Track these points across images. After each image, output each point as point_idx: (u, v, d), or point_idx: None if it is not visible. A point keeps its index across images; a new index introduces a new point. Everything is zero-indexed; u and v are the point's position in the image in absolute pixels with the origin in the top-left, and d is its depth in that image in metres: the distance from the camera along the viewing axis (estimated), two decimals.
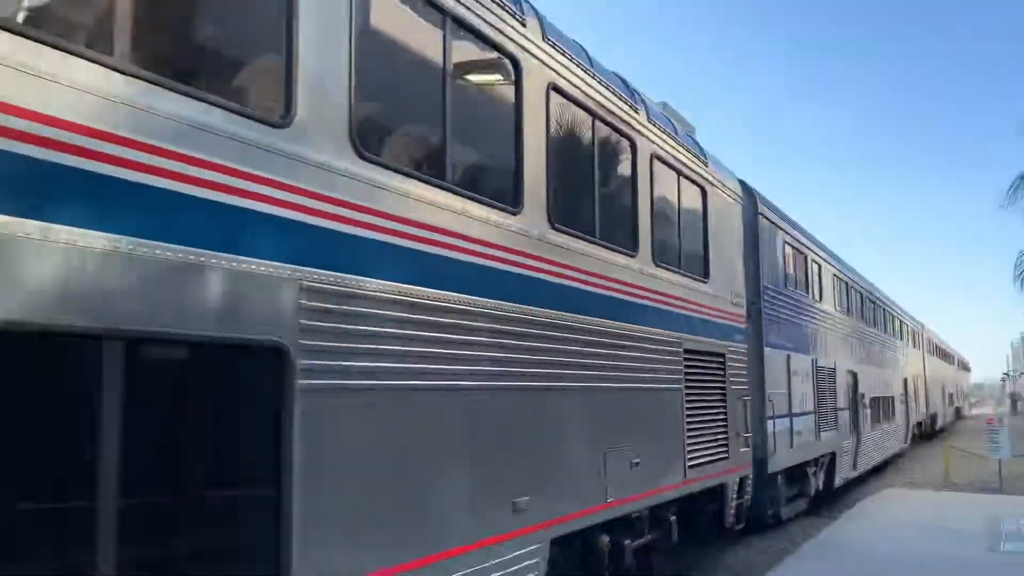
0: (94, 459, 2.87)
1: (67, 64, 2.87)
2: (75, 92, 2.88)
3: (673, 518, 8.00)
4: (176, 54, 3.55)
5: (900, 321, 26.83)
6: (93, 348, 2.93)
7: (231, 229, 3.45)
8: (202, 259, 3.30)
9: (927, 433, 32.04)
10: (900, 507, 13.76)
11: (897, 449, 23.35)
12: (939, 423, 36.92)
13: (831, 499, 15.06)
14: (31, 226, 2.71)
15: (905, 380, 25.50)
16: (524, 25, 5.75)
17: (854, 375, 17.49)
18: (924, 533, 11.30)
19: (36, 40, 2.77)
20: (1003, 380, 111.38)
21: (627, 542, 7.02)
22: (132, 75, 3.09)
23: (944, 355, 44.61)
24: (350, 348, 4.00)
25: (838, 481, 15.54)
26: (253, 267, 3.53)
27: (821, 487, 14.48)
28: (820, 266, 15.55)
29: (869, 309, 20.85)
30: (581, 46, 6.95)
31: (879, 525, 11.90)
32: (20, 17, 2.84)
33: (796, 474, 13.02)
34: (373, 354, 4.15)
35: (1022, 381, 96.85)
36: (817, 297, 15.14)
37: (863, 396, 18.16)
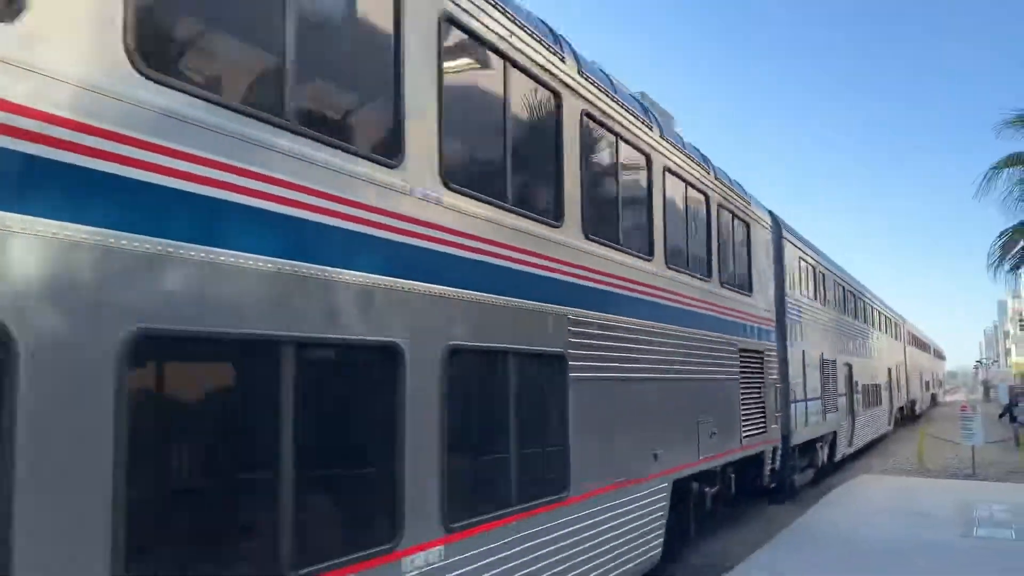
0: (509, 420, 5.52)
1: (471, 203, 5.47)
2: (494, 227, 5.49)
3: (733, 475, 10.74)
4: (538, 200, 6.30)
5: (885, 316, 29.89)
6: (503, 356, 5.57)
7: (547, 289, 6.10)
8: (544, 308, 5.95)
9: (908, 417, 35.27)
10: (875, 493, 14.02)
11: (884, 431, 26.39)
12: (918, 408, 40.45)
13: (832, 471, 17.90)
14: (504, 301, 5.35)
15: (889, 369, 28.59)
16: (709, 173, 8.46)
17: (849, 366, 20.37)
18: (898, 519, 11.41)
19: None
20: (976, 368, 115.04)
21: (707, 489, 9.73)
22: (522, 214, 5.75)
23: (922, 345, 48.13)
24: (587, 354, 6.65)
25: (838, 455, 18.42)
26: (559, 309, 6.18)
27: (826, 460, 17.31)
28: (824, 275, 18.38)
29: (860, 307, 23.82)
30: (694, 148, 9.68)
31: (854, 511, 12.04)
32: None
33: (807, 449, 15.81)
34: (596, 358, 6.81)
35: (994, 369, 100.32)
36: (823, 301, 17.98)
37: (856, 384, 21.07)
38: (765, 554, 9.19)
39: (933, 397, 55.65)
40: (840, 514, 11.79)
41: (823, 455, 17.06)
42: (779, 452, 12.88)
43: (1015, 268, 22.13)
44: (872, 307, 26.49)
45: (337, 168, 4.16)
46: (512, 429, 5.55)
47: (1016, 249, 21.60)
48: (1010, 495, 13.59)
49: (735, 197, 11.37)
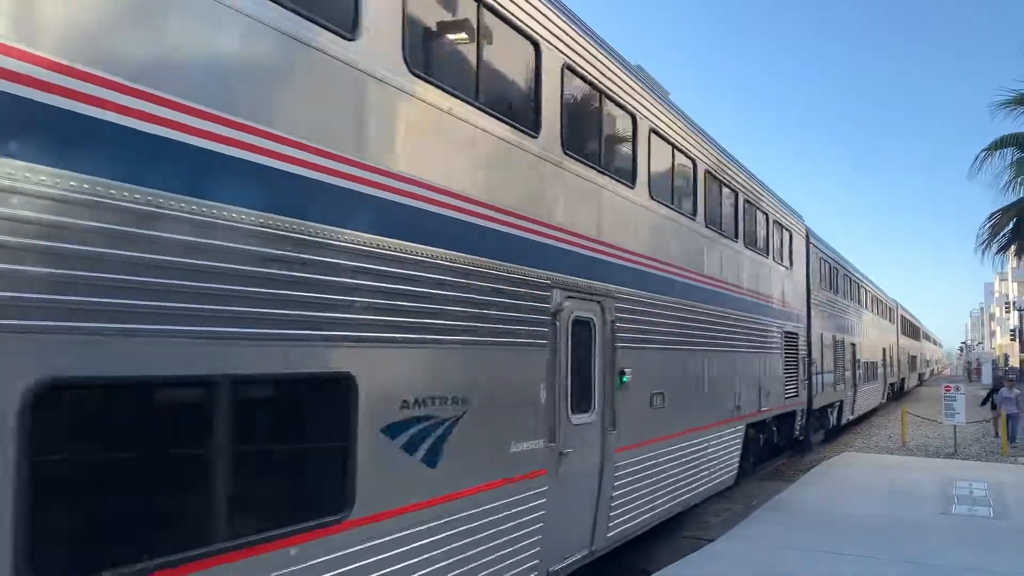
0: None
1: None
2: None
3: (775, 427, 14.30)
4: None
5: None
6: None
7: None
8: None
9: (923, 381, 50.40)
10: (856, 471, 14.09)
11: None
12: (927, 376, 62.95)
13: (839, 432, 21.44)
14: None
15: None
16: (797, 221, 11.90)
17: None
18: (878, 496, 11.48)
19: None
20: (960, 350, 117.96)
21: (761, 435, 13.30)
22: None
23: (932, 340, 72.13)
24: None
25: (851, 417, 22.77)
26: None
27: (834, 423, 20.94)
28: (851, 278, 22.87)
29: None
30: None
31: (835, 488, 12.14)
32: None
33: (820, 413, 19.28)
34: None
35: (977, 350, 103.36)
36: (844, 295, 22.05)
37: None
38: (745, 528, 9.44)
39: (932, 371, 79.44)
40: (821, 491, 11.94)
41: (833, 419, 20.66)
42: (804, 412, 16.47)
43: (1002, 249, 22.59)
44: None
45: None
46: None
47: (1005, 230, 21.97)
48: (990, 474, 13.88)
49: (792, 219, 14.99)
